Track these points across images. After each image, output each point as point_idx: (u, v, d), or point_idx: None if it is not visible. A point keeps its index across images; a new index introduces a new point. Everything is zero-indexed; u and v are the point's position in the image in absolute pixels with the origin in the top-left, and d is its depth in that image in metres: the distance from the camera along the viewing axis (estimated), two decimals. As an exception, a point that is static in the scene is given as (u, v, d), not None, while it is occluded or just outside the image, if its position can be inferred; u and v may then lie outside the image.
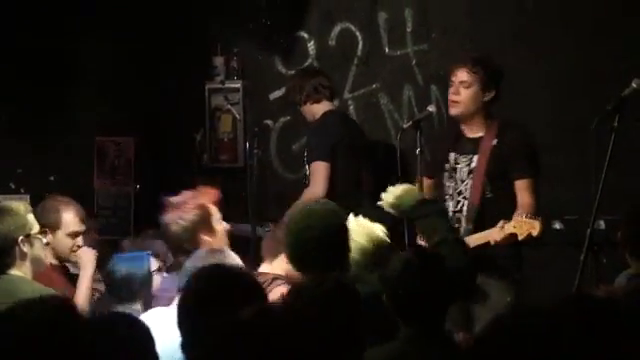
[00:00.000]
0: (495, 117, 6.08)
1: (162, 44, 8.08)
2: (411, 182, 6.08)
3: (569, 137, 6.96)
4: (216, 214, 5.35)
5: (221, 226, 5.34)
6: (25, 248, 4.78)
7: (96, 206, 8.13)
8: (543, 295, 5.87)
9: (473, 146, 6.03)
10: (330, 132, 6.91)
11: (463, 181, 6.04)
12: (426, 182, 6.20)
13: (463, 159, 6.07)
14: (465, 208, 6.01)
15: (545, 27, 7.28)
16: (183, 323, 3.48)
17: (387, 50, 7.73)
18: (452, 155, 6.08)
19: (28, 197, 7.45)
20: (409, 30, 7.66)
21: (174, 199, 5.33)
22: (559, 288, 5.84)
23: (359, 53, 7.81)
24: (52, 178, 7.90)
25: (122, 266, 5.23)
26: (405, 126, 6.39)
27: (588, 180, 5.79)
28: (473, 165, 6.01)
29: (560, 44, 7.22)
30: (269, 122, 7.69)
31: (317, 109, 7.00)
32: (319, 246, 4.41)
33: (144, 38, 8.06)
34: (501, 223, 5.65)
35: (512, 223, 5.64)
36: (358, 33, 7.80)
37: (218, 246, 4.98)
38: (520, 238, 5.63)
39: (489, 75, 5.98)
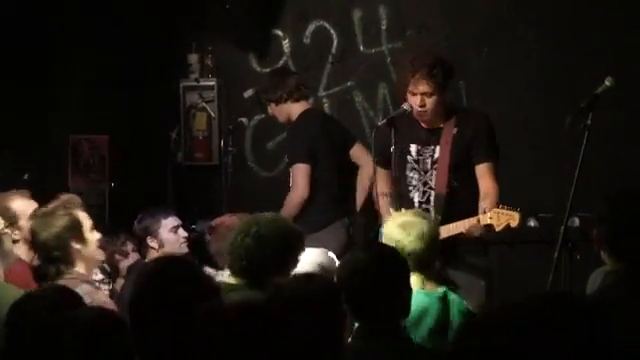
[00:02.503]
0: (453, 107, 6.08)
1: (137, 42, 8.04)
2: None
3: (544, 135, 6.98)
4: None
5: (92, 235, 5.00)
6: None
7: (70, 204, 8.07)
8: (517, 292, 5.88)
9: (434, 137, 6.05)
10: (310, 133, 6.74)
11: (427, 172, 6.08)
12: (382, 172, 6.18)
13: (425, 150, 6.10)
14: (432, 198, 6.05)
15: (519, 25, 7.29)
16: (139, 326, 3.38)
17: (362, 48, 7.73)
18: (413, 147, 6.10)
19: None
20: (384, 28, 7.66)
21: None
22: (533, 285, 5.86)
23: (334, 51, 7.80)
24: (26, 176, 7.84)
25: None
26: (380, 124, 6.37)
27: (562, 178, 5.81)
28: (436, 156, 6.04)
29: (534, 42, 7.24)
30: (244, 120, 7.65)
31: (295, 109, 6.85)
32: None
33: (119, 36, 8.01)
34: (482, 212, 5.69)
35: (488, 214, 5.67)
36: (333, 31, 7.79)
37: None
38: (497, 229, 5.65)
39: (446, 77, 6.01)
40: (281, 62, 7.89)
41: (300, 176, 6.68)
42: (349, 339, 3.85)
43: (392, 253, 4.11)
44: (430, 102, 5.97)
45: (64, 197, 4.97)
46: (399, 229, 4.79)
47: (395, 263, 4.02)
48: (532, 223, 6.54)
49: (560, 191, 5.70)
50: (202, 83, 8.05)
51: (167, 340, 3.19)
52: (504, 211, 5.65)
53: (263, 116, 7.85)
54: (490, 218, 5.67)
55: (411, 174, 6.12)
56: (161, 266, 3.59)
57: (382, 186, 6.26)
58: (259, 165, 8.03)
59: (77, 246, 4.76)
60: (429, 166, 6.08)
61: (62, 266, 4.73)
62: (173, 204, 7.57)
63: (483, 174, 5.97)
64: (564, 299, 3.07)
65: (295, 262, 4.48)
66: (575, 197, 5.27)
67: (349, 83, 7.75)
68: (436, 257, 4.96)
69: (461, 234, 5.81)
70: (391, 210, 5.88)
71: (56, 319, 3.21)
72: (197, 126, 8.11)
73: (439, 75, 5.94)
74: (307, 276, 3.64)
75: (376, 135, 6.14)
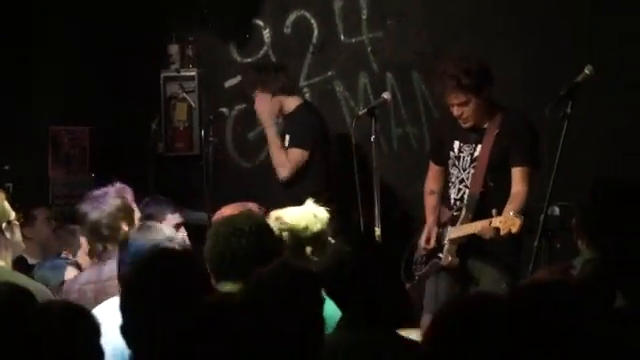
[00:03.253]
0: (499, 105, 6.07)
1: (117, 32, 8.00)
2: (368, 169, 6.12)
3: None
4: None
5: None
6: (8, 235, 4.68)
7: (51, 195, 8.04)
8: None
9: (477, 135, 6.05)
10: (314, 125, 6.94)
11: (465, 170, 6.08)
12: (434, 168, 6.32)
13: (466, 148, 6.09)
14: (466, 197, 6.04)
15: (499, 13, 7.28)
16: (129, 308, 3.38)
17: (342, 38, 7.71)
18: (456, 143, 6.12)
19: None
20: (364, 17, 7.65)
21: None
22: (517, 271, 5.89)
23: (314, 41, 7.78)
24: (7, 167, 7.80)
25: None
26: (360, 113, 6.36)
27: (543, 167, 5.81)
28: (476, 154, 6.03)
29: (514, 31, 7.23)
30: (224, 110, 7.62)
31: (291, 101, 6.96)
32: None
33: (99, 27, 7.97)
34: (495, 215, 5.69)
35: (500, 217, 5.67)
36: (313, 21, 7.77)
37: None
38: (502, 233, 5.66)
39: (479, 82, 5.95)
40: (262, 52, 7.87)
41: (294, 159, 6.80)
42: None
43: (377, 245, 4.11)
44: (467, 110, 5.98)
45: None
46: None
47: (381, 255, 4.04)
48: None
49: (541, 180, 5.69)
50: (183, 73, 8.03)
51: (159, 331, 3.16)
52: (511, 217, 5.65)
53: (244, 106, 7.83)
54: (500, 222, 5.68)
55: (451, 170, 6.14)
56: (158, 256, 3.57)
57: (430, 183, 6.29)
58: (240, 155, 8.00)
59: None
60: (468, 164, 6.08)
61: None
62: (154, 194, 7.54)
63: (516, 177, 5.95)
64: (544, 290, 3.09)
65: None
66: (555, 186, 5.27)
67: (330, 73, 7.73)
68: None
69: (474, 235, 5.82)
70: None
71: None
72: (178, 116, 8.09)
73: (469, 84, 5.90)
74: (285, 265, 3.62)
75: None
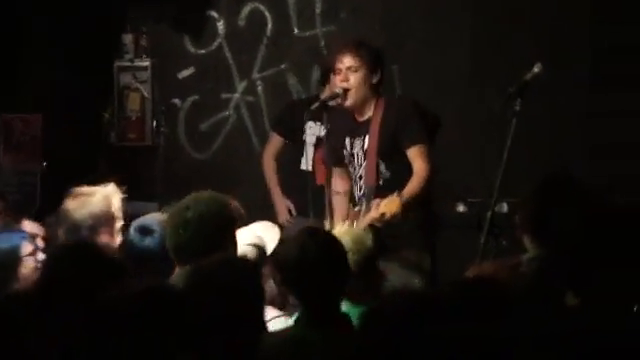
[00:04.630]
0: (382, 94, 6.05)
1: (71, 21, 7.94)
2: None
3: (475, 120, 7.01)
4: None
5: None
6: None
7: (1, 183, 7.98)
8: (443, 279, 5.92)
9: (364, 127, 5.99)
10: None
11: (361, 165, 6.02)
12: (337, 170, 6.13)
13: (357, 142, 6.04)
14: (366, 191, 5.99)
15: (455, 9, 7.31)
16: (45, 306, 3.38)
17: (296, 31, 7.70)
18: (347, 140, 6.05)
19: None
20: (318, 11, 7.65)
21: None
22: (459, 271, 5.87)
23: (268, 33, 7.77)
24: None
25: None
26: (313, 107, 6.31)
27: (492, 163, 5.84)
28: (366, 147, 5.98)
29: (469, 28, 7.26)
30: (177, 101, 7.61)
31: None
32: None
33: (53, 15, 7.91)
34: (376, 202, 5.65)
35: (384, 201, 5.59)
36: (267, 13, 7.75)
37: None
38: (387, 217, 5.54)
39: (374, 57, 5.94)
40: (215, 44, 7.85)
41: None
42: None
43: (336, 240, 4.11)
44: (354, 78, 5.86)
45: None
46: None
47: (341, 250, 4.03)
48: (461, 208, 6.53)
49: (489, 176, 5.71)
50: (136, 63, 7.99)
51: (75, 324, 3.13)
52: (390, 198, 5.53)
53: (197, 97, 7.82)
54: (385, 205, 5.57)
55: (350, 169, 6.07)
56: (65, 250, 3.59)
57: (336, 183, 6.19)
58: (192, 147, 7.97)
59: None
60: (362, 159, 6.02)
61: None
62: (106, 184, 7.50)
63: (413, 158, 5.84)
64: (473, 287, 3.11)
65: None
66: (504, 183, 5.30)
67: (283, 66, 7.73)
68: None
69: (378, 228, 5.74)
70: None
71: None
72: (130, 106, 8.04)
73: (366, 52, 5.89)
74: (225, 259, 3.60)
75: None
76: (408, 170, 5.83)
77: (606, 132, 6.92)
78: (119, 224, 4.95)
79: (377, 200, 5.61)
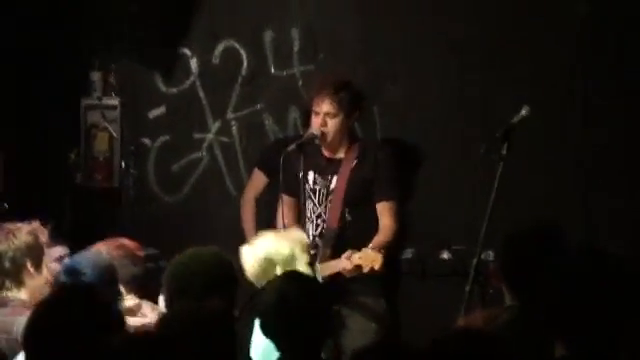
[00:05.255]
0: (357, 137, 6.09)
1: (37, 57, 7.84)
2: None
3: (460, 164, 6.92)
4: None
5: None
6: None
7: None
8: (427, 327, 5.79)
9: (333, 167, 6.04)
10: None
11: (321, 204, 6.05)
12: (288, 201, 6.19)
13: (322, 180, 6.07)
14: (324, 232, 6.02)
15: (440, 50, 7.22)
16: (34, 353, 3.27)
17: (273, 70, 7.59)
18: (311, 175, 6.08)
19: None
20: (296, 50, 7.54)
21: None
22: (444, 320, 5.78)
23: (243, 72, 7.66)
24: None
25: None
26: (289, 149, 6.31)
27: (477, 208, 5.74)
28: (332, 187, 6.03)
29: (454, 68, 7.17)
30: (147, 141, 7.48)
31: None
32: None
33: (19, 49, 7.81)
34: (348, 253, 5.71)
35: (359, 254, 5.68)
36: (243, 51, 7.65)
37: None
38: (364, 270, 5.69)
39: (353, 101, 6.02)
40: (188, 82, 7.74)
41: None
42: None
43: (319, 283, 4.11)
44: (332, 124, 5.98)
45: None
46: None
47: (325, 293, 4.08)
48: (445, 255, 6.52)
49: (475, 222, 5.64)
50: (105, 102, 7.87)
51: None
52: (370, 252, 5.67)
53: (168, 137, 7.70)
54: (359, 258, 5.69)
55: (307, 204, 6.09)
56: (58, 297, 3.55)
57: (288, 217, 6.17)
58: (162, 189, 7.85)
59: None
60: (324, 198, 6.05)
61: None
62: (70, 227, 7.40)
63: (382, 212, 6.06)
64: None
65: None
66: (490, 229, 5.24)
67: (258, 106, 7.61)
68: None
69: (340, 273, 5.80)
70: None
71: None
72: (98, 147, 7.92)
73: (344, 98, 5.94)
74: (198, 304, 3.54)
75: (284, 161, 6.07)
76: (371, 217, 5.89)
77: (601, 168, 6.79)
78: (46, 259, 5.01)
79: (349, 251, 5.66)
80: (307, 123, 6.59)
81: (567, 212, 6.50)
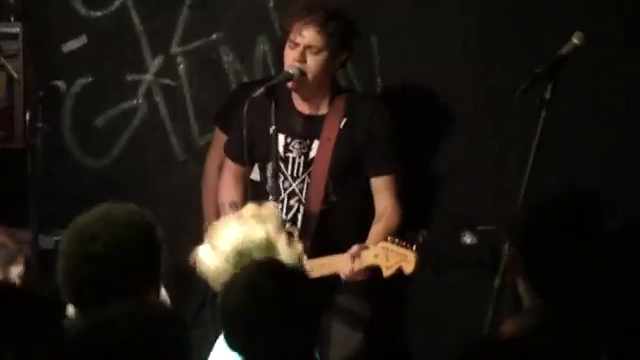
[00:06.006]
0: (342, 87, 6.08)
1: None
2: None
3: (484, 115, 7.02)
4: None
5: None
6: None
7: None
8: (444, 332, 5.93)
9: (313, 127, 6.01)
10: None
11: (296, 178, 6.03)
12: (234, 168, 6.24)
13: (297, 145, 6.05)
14: (300, 217, 6.01)
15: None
16: None
17: (234, -14, 7.70)
18: (281, 138, 6.05)
19: None
20: (266, -41, 7.65)
21: None
22: (467, 323, 5.91)
23: (194, -10, 7.76)
24: None
25: None
26: (255, 94, 6.34)
27: (510, 176, 5.86)
28: (312, 155, 5.99)
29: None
30: (61, 84, 7.58)
31: None
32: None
33: None
34: (355, 248, 5.66)
35: (373, 251, 5.64)
36: (193, -37, 7.75)
37: None
38: (387, 274, 5.65)
39: (344, 36, 6.02)
40: (116, 4, 7.79)
41: None
42: None
43: (304, 274, 4.24)
44: (314, 61, 5.96)
45: None
46: None
47: (311, 288, 4.13)
48: (468, 239, 6.60)
49: (507, 195, 5.74)
50: (1, 29, 7.94)
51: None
52: (395, 248, 5.62)
53: (90, 80, 7.77)
54: (376, 256, 5.64)
55: (273, 177, 6.06)
56: None
57: (230, 192, 6.17)
58: (83, 150, 7.93)
59: None
60: (302, 169, 6.03)
61: None
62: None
63: (380, 190, 6.00)
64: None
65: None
66: (527, 201, 5.31)
67: (214, 36, 7.71)
68: None
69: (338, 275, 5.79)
70: None
71: None
72: (-7, 92, 8.02)
73: (336, 29, 5.93)
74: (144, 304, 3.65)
75: (249, 111, 6.07)
76: (363, 195, 5.89)
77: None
78: None
79: (357, 246, 5.66)
80: (282, 60, 6.64)
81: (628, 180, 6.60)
